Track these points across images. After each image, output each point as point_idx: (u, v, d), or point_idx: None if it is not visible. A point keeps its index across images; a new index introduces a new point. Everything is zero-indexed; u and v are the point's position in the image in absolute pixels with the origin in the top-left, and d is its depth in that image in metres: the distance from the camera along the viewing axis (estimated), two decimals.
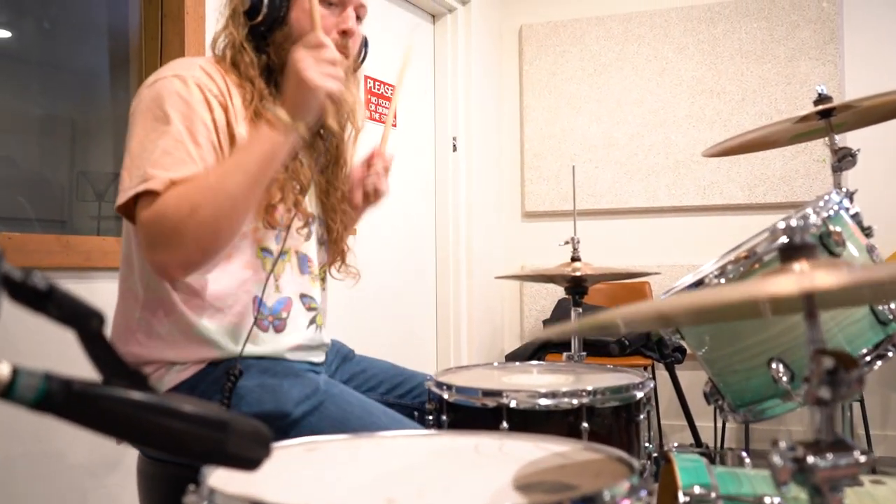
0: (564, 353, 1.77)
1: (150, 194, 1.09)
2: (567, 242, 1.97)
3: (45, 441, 1.70)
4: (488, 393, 1.21)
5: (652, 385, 1.30)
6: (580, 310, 1.86)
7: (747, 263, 1.28)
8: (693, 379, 3.07)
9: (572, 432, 1.18)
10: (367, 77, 3.00)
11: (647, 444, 1.29)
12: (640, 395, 1.26)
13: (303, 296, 1.30)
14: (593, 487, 0.65)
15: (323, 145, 1.35)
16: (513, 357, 3.35)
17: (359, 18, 1.31)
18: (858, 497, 0.78)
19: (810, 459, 0.60)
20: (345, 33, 1.27)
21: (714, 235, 3.51)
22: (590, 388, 1.21)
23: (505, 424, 1.18)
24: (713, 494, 0.77)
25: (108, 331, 1.14)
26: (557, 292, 3.71)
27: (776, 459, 0.60)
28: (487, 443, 0.88)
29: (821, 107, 1.65)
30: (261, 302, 1.22)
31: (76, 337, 0.53)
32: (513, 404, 1.18)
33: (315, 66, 1.14)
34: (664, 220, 3.71)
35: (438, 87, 3.59)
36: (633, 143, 3.73)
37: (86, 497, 1.80)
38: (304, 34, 1.24)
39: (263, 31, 1.26)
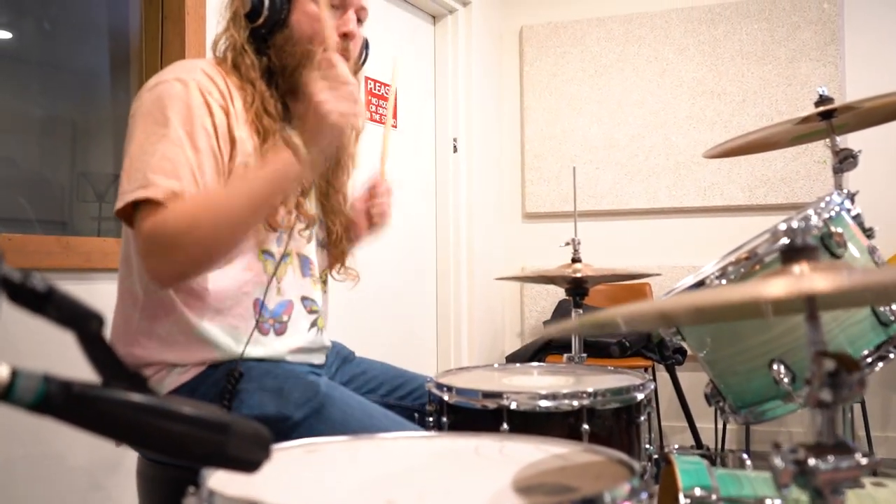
0: (565, 355, 1.76)
1: (150, 202, 1.09)
2: (568, 243, 1.97)
3: (45, 443, 1.70)
4: (489, 394, 1.21)
5: (652, 387, 1.30)
6: (581, 311, 1.86)
7: (748, 265, 1.28)
8: (694, 380, 3.07)
9: (573, 434, 1.18)
10: (367, 78, 3.00)
11: (647, 446, 1.29)
12: (640, 396, 1.25)
13: (304, 298, 1.30)
14: (594, 489, 0.65)
15: None
16: (513, 358, 3.34)
17: (360, 21, 1.31)
18: (860, 499, 0.78)
19: (811, 462, 0.60)
20: (346, 36, 1.27)
21: (715, 237, 3.50)
22: (590, 389, 1.20)
23: (505, 426, 1.18)
24: (714, 496, 0.77)
25: (108, 332, 1.15)
26: (558, 293, 3.71)
27: (777, 461, 0.60)
28: (488, 444, 0.87)
29: (822, 108, 1.65)
30: (262, 304, 1.22)
31: (75, 338, 0.53)
32: (513, 406, 1.18)
33: (335, 101, 1.11)
34: (665, 221, 3.71)
35: (439, 89, 3.59)
36: (634, 144, 3.73)
37: (85, 499, 1.79)
38: (305, 37, 1.25)
39: (264, 33, 1.26)
